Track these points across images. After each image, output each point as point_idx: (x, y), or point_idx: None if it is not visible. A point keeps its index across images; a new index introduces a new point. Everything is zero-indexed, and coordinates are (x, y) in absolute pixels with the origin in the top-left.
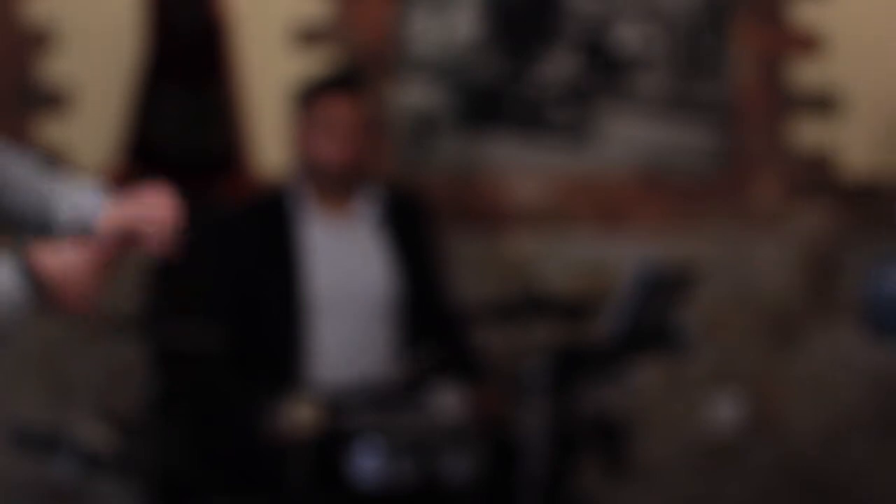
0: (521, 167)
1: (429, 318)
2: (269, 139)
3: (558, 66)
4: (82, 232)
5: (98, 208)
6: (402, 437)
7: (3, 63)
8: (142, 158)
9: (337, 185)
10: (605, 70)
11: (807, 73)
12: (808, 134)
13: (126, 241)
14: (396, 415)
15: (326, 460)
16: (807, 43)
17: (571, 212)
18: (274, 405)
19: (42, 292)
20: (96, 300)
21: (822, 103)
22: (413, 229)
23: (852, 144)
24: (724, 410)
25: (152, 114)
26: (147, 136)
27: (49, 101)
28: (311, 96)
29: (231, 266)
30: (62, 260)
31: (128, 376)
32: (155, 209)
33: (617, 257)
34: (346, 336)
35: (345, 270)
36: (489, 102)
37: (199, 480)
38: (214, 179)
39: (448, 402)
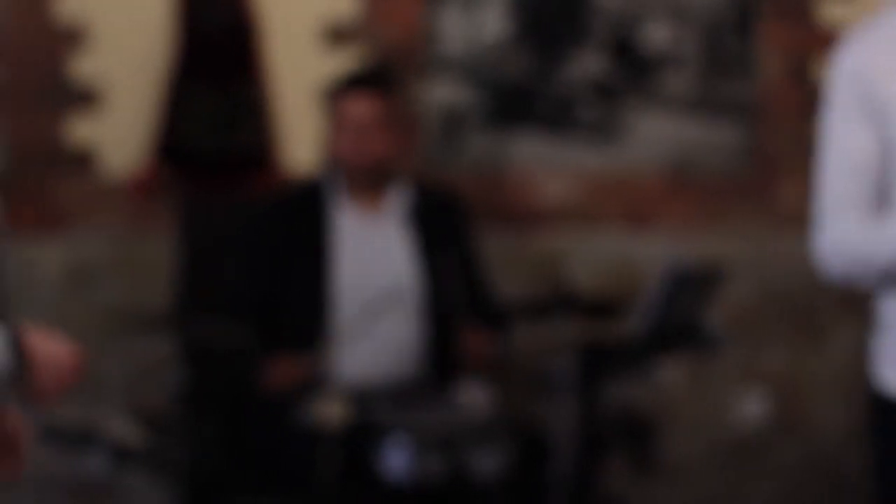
0: (550, 165)
1: (472, 314)
2: (299, 137)
3: (586, 65)
4: None
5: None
6: (430, 432)
7: (35, 61)
8: (172, 157)
9: (364, 181)
10: (633, 69)
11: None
12: None
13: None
14: (424, 410)
15: (355, 456)
16: (833, 41)
17: (599, 210)
18: (302, 400)
19: (26, 373)
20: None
21: None
22: (447, 226)
23: None
24: (751, 408)
25: (182, 112)
26: (177, 135)
27: (80, 99)
28: (337, 94)
29: (260, 258)
30: (50, 348)
31: (158, 372)
32: (53, 358)
33: (645, 255)
34: (374, 331)
35: (373, 266)
36: (517, 100)
37: (229, 475)
38: (244, 178)
39: (476, 397)
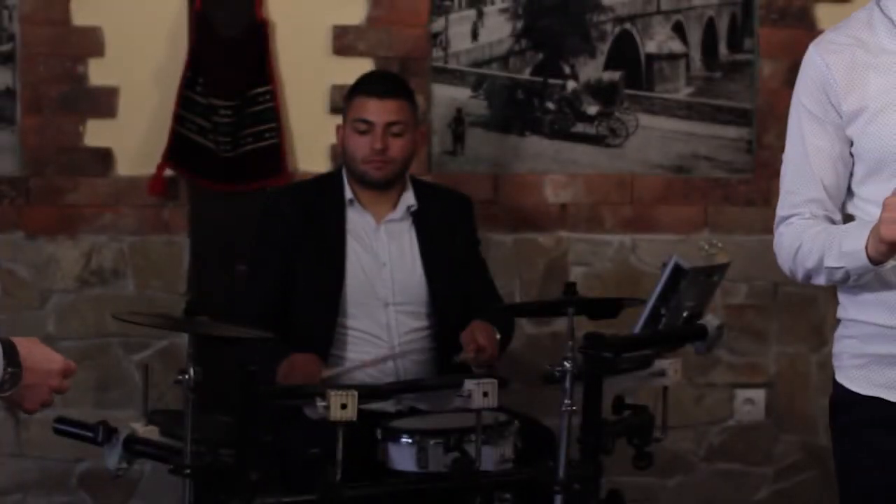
0: (553, 166)
1: (473, 313)
2: (310, 144)
3: (590, 68)
4: None
5: None
6: (437, 426)
7: (53, 66)
8: (185, 161)
9: (370, 184)
10: (637, 71)
11: None
12: None
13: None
14: (430, 405)
15: (361, 449)
16: None
17: (603, 211)
18: (310, 394)
19: (15, 377)
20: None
21: None
22: (453, 226)
23: None
24: (752, 407)
25: (196, 117)
26: (190, 139)
27: (97, 103)
28: (347, 98)
29: (272, 254)
30: (40, 355)
31: (171, 366)
32: (43, 364)
33: (648, 256)
34: (381, 327)
35: (382, 264)
36: (521, 103)
37: (239, 470)
38: (256, 183)
39: (481, 393)
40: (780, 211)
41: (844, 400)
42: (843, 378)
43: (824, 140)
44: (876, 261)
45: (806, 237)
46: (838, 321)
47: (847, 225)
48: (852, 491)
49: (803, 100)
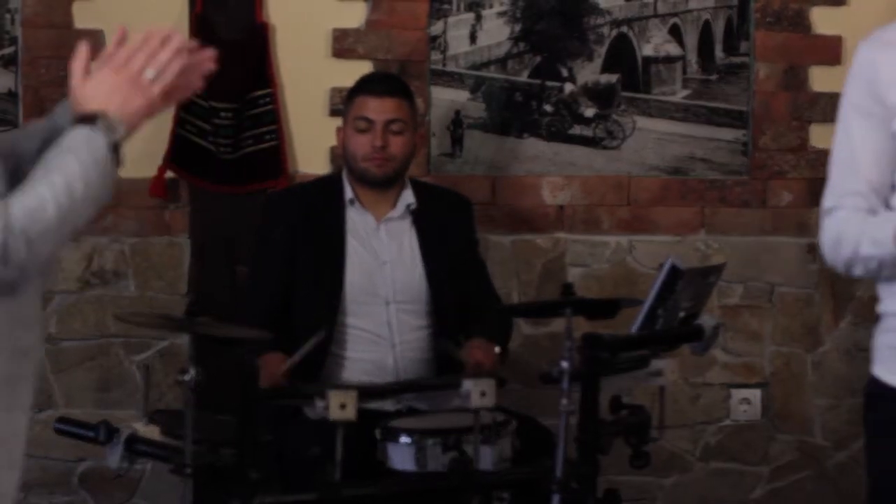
0: (552, 169)
1: (471, 312)
2: (309, 146)
3: (587, 71)
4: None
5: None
6: (435, 426)
7: (53, 70)
8: (186, 165)
9: (379, 182)
10: (634, 74)
11: (827, 79)
12: (830, 138)
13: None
14: (429, 405)
15: (361, 449)
16: (825, 47)
17: (600, 212)
18: (311, 392)
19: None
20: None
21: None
22: (452, 226)
23: None
24: (748, 406)
25: (196, 119)
26: (191, 143)
27: None
28: (348, 98)
29: (272, 255)
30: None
31: (171, 366)
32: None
33: (645, 257)
34: (382, 325)
35: (382, 262)
36: (520, 105)
37: (239, 469)
38: (256, 185)
39: (481, 392)
40: (825, 203)
41: (881, 394)
42: (881, 371)
43: (869, 134)
44: None
45: (845, 227)
46: (878, 316)
47: (884, 214)
48: (883, 485)
49: (850, 94)
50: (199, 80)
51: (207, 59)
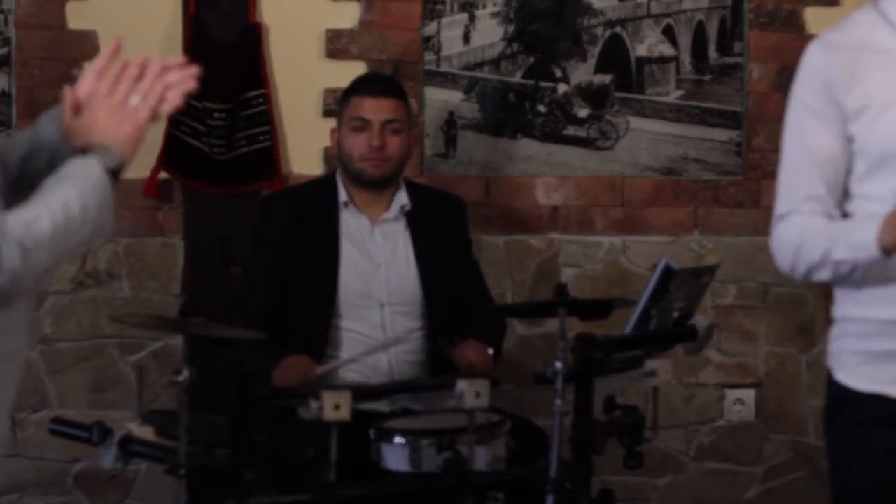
0: (545, 169)
1: (465, 313)
2: (303, 147)
3: (581, 71)
4: None
5: None
6: (430, 426)
7: (47, 71)
8: (180, 165)
9: (374, 183)
10: (627, 74)
11: None
12: None
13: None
14: (424, 405)
15: (355, 450)
16: None
17: (594, 213)
18: (304, 395)
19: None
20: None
21: None
22: (446, 227)
23: None
24: (742, 407)
25: (190, 120)
26: (185, 144)
27: None
28: (343, 99)
29: (268, 254)
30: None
31: (166, 367)
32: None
33: (638, 257)
34: (376, 327)
35: (377, 265)
36: (514, 105)
37: (234, 470)
38: (250, 186)
39: (476, 392)
40: (779, 208)
41: (844, 398)
42: (842, 376)
43: (825, 136)
44: (889, 250)
45: (809, 232)
46: (833, 320)
47: (854, 218)
48: (849, 489)
49: (804, 96)
50: (181, 97)
51: (189, 76)
